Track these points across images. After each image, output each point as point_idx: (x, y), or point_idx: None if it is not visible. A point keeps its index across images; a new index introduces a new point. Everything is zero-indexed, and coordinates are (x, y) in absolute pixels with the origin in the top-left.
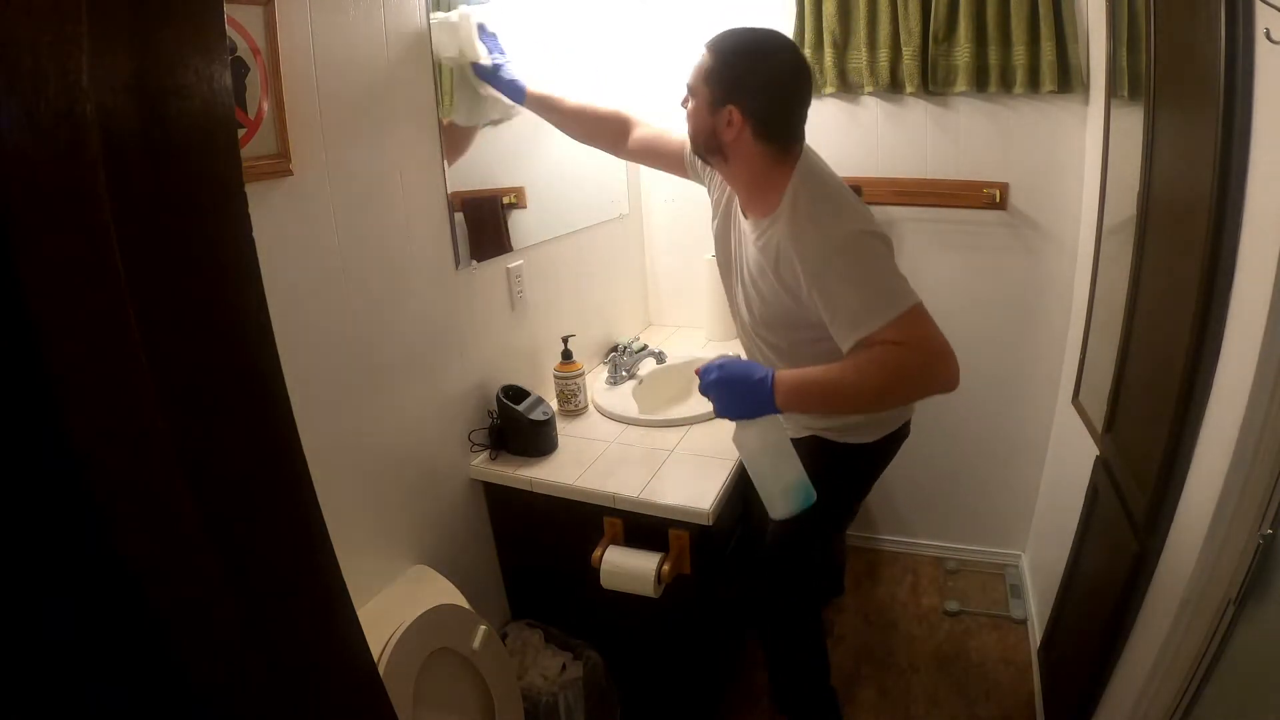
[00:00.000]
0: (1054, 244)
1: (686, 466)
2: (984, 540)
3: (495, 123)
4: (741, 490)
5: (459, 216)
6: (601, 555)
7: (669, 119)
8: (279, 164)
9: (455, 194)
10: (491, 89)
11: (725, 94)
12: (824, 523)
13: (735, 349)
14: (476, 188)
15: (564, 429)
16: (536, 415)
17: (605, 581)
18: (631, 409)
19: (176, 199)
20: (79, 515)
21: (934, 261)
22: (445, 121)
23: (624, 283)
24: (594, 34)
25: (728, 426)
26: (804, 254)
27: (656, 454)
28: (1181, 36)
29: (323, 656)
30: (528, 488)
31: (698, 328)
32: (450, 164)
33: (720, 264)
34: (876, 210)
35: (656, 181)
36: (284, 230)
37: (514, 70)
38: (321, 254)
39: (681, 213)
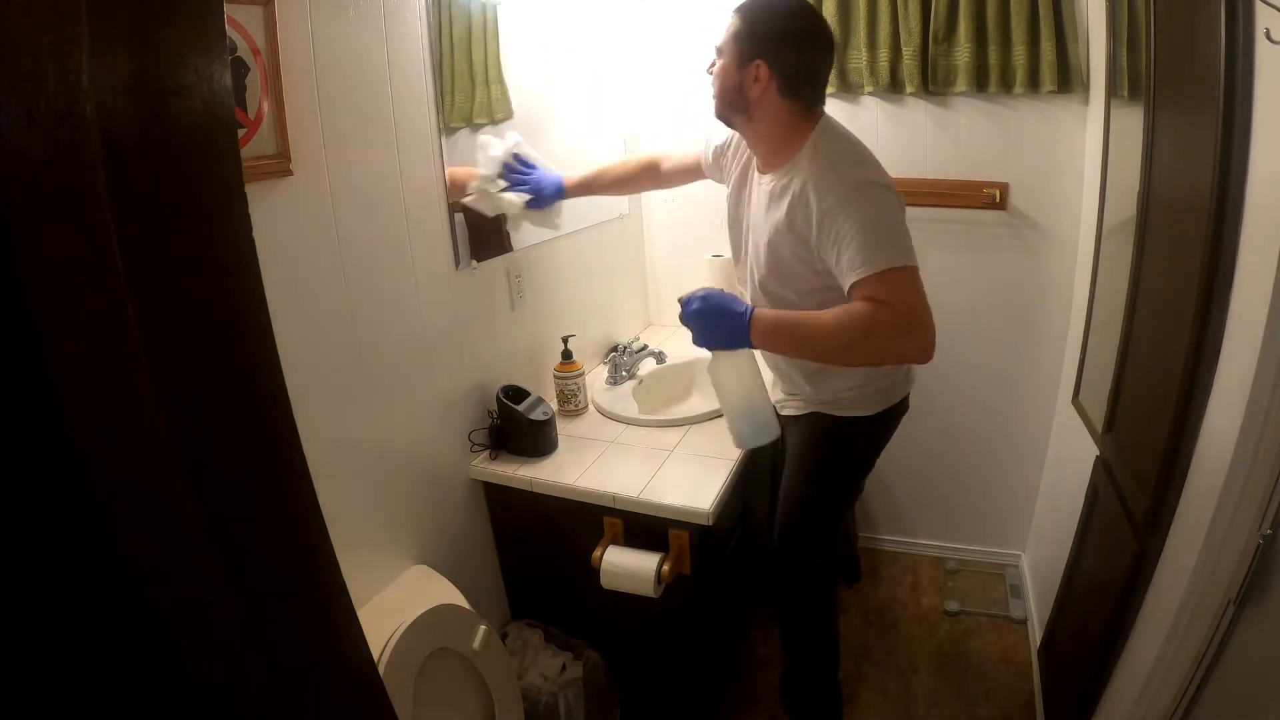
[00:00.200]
0: (1054, 244)
1: (686, 466)
2: (984, 540)
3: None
4: (742, 490)
5: (459, 216)
6: (601, 555)
7: (667, 121)
8: (279, 164)
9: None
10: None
11: (753, 50)
12: (831, 497)
13: None
14: None
15: (564, 429)
16: (536, 415)
17: (605, 581)
18: (631, 409)
19: (176, 199)
20: (79, 515)
21: (934, 261)
22: (467, 202)
23: (624, 283)
24: (594, 34)
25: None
26: (821, 192)
27: (656, 454)
28: (1181, 36)
29: (323, 656)
30: (528, 488)
31: None
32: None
33: (731, 231)
34: None
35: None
36: (284, 230)
37: (546, 179)
38: (321, 254)
39: (681, 213)
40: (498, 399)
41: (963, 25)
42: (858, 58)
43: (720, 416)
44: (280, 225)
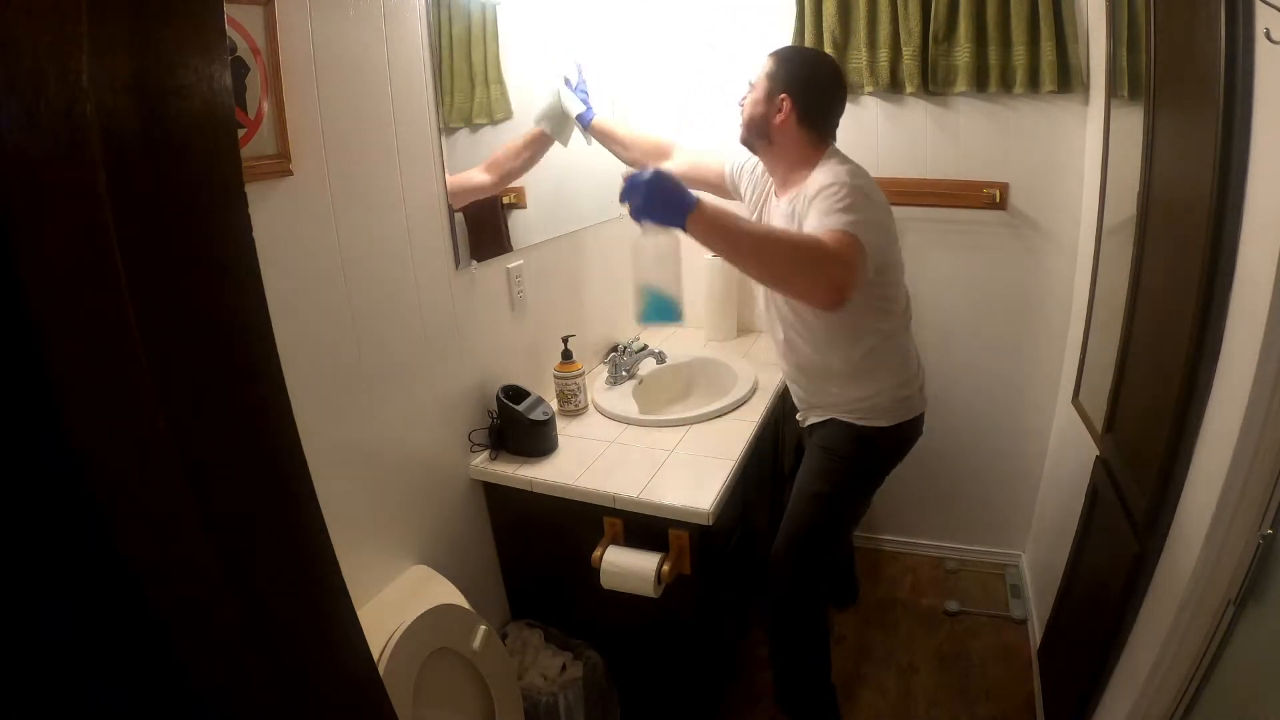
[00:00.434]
0: (1054, 244)
1: (686, 466)
2: (984, 540)
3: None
4: (742, 491)
5: (459, 216)
6: (601, 555)
7: (667, 122)
8: (279, 164)
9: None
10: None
11: (781, 87)
12: (840, 500)
13: (735, 352)
14: None
15: (564, 429)
16: (536, 415)
17: (605, 581)
18: (631, 409)
19: (176, 199)
20: (79, 515)
21: (934, 261)
22: (536, 130)
23: (624, 283)
24: (594, 34)
25: (728, 427)
26: (817, 183)
27: (656, 454)
28: (1181, 36)
29: (323, 656)
30: (528, 488)
31: (698, 328)
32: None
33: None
34: None
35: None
36: (284, 230)
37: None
38: (321, 254)
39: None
40: (498, 399)
41: (963, 25)
42: (858, 58)
43: (720, 417)
44: (280, 225)
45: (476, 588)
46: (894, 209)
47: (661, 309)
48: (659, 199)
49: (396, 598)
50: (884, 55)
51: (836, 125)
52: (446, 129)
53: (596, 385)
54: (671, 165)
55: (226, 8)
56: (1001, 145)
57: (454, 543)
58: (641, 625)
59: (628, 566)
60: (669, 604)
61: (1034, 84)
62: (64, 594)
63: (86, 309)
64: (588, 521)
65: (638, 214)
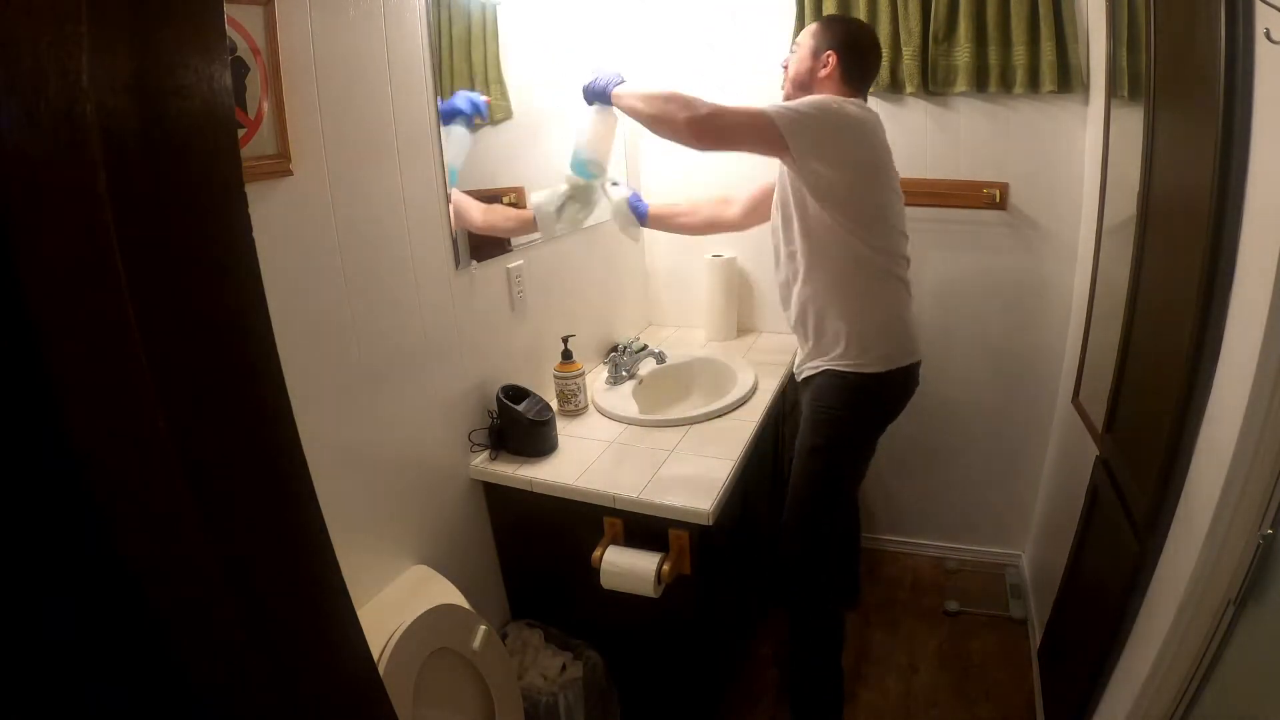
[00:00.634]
0: (1054, 244)
1: (686, 466)
2: (984, 540)
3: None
4: (743, 490)
5: None
6: (601, 555)
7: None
8: (279, 164)
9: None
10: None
11: (827, 45)
12: (836, 449)
13: (735, 352)
14: (476, 188)
15: (564, 429)
16: (536, 415)
17: (605, 581)
18: (631, 409)
19: (176, 199)
20: (79, 515)
21: (934, 261)
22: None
23: (624, 283)
24: (594, 34)
25: (728, 427)
26: None
27: (656, 454)
28: (1181, 36)
29: (323, 656)
30: (528, 488)
31: (698, 328)
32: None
33: (776, 204)
34: None
35: (657, 182)
36: (284, 230)
37: (639, 199)
38: (321, 254)
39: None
40: (498, 399)
41: (963, 25)
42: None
43: (720, 416)
44: (280, 225)
45: (476, 588)
46: None
47: (580, 167)
48: (596, 91)
49: (396, 598)
50: (884, 55)
51: (870, 85)
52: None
53: (596, 385)
54: (739, 206)
55: (226, 8)
56: (1001, 145)
57: (454, 543)
58: (641, 625)
59: (628, 566)
60: (669, 604)
61: (1034, 84)
62: (64, 594)
63: (86, 309)
64: (588, 521)
65: (588, 99)
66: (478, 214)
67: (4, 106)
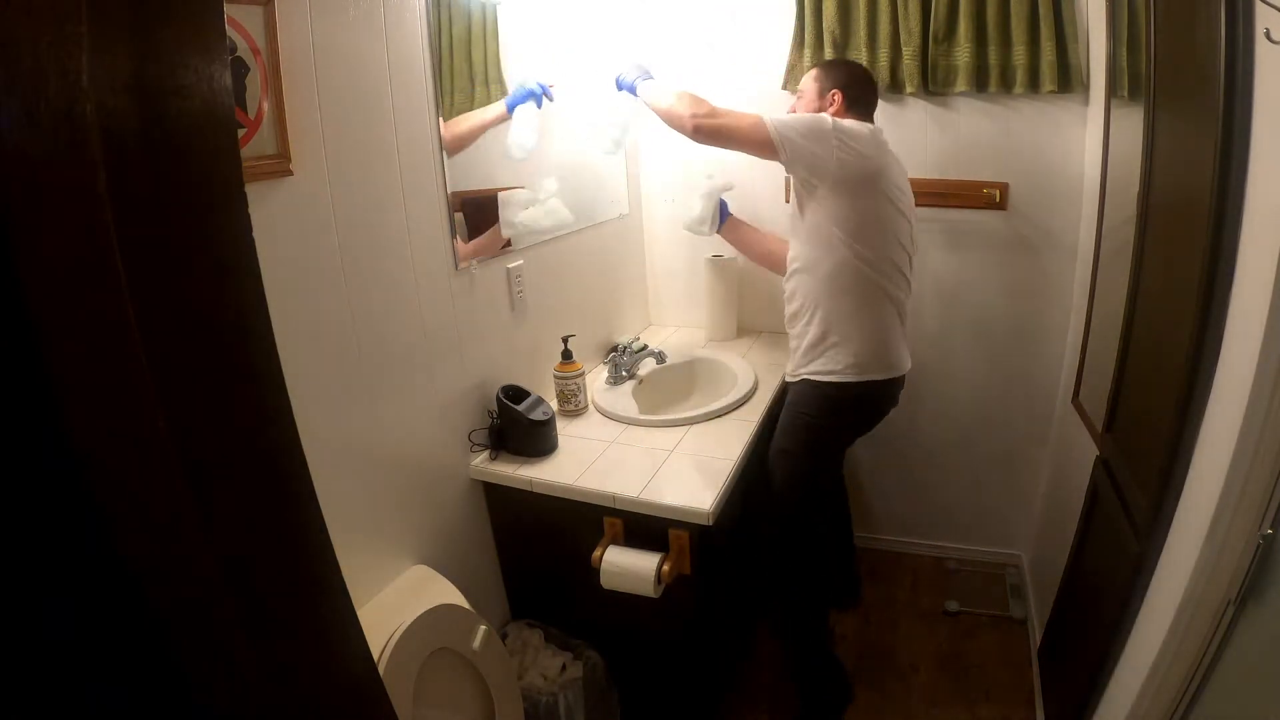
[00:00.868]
0: (1054, 244)
1: (686, 466)
2: (984, 540)
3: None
4: (742, 490)
5: (459, 216)
6: (601, 555)
7: None
8: (279, 164)
9: (455, 194)
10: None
11: (831, 84)
12: (806, 461)
13: (735, 352)
14: (476, 187)
15: (564, 429)
16: (536, 415)
17: (605, 581)
18: (631, 409)
19: (176, 199)
20: (79, 515)
21: (934, 261)
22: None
23: (624, 283)
24: (594, 34)
25: (728, 427)
26: None
27: (656, 454)
28: (1181, 36)
29: (323, 656)
30: (528, 488)
31: (698, 328)
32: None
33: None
34: None
35: (657, 182)
36: (284, 230)
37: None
38: (321, 254)
39: (682, 213)
40: (498, 399)
41: (963, 25)
42: (857, 58)
43: (720, 416)
44: (280, 225)
45: (476, 588)
46: None
47: (616, 138)
48: (625, 85)
49: (396, 598)
50: (884, 55)
51: (873, 113)
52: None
53: (596, 385)
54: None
55: (226, 8)
56: (1001, 145)
57: (454, 543)
58: (641, 625)
59: (628, 566)
60: (669, 604)
61: (1034, 84)
62: (64, 594)
63: (86, 309)
64: (588, 521)
65: (618, 88)
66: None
67: (4, 106)
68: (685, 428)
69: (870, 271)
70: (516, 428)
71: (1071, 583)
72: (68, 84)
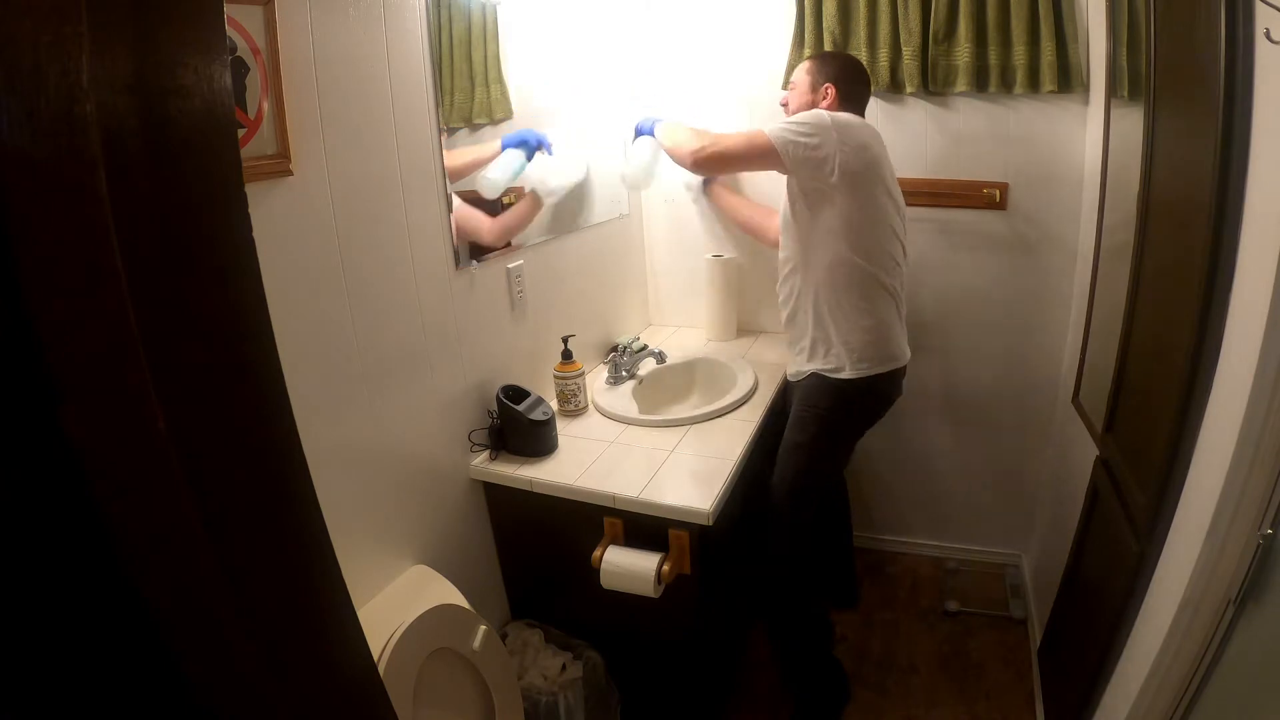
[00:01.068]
0: (1054, 244)
1: (686, 466)
2: (984, 540)
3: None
4: (742, 490)
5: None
6: (601, 555)
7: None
8: (279, 164)
9: (455, 194)
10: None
11: (824, 78)
12: (816, 454)
13: (735, 352)
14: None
15: (564, 429)
16: (536, 415)
17: (605, 581)
18: (631, 409)
19: (176, 199)
20: (79, 515)
21: (934, 261)
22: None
23: (624, 283)
24: (594, 33)
25: (728, 427)
26: None
27: (656, 454)
28: (1181, 36)
29: (323, 656)
30: (528, 488)
31: (698, 328)
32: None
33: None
34: None
35: (657, 182)
36: (284, 230)
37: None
38: (321, 253)
39: (682, 213)
40: (498, 399)
41: (963, 25)
42: (857, 57)
43: (720, 416)
44: (280, 225)
45: (476, 588)
46: None
47: (636, 179)
48: (641, 130)
49: (396, 598)
50: (884, 55)
51: (864, 107)
52: (447, 129)
53: (596, 385)
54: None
55: (226, 8)
56: (1001, 145)
57: (454, 543)
58: (641, 625)
59: (628, 566)
60: (669, 604)
61: (1034, 84)
62: (64, 594)
63: (86, 309)
64: (588, 521)
65: (637, 133)
66: (486, 225)
67: (4, 106)
68: (685, 428)
69: (867, 265)
70: (516, 428)
71: (1071, 583)
72: (68, 84)
